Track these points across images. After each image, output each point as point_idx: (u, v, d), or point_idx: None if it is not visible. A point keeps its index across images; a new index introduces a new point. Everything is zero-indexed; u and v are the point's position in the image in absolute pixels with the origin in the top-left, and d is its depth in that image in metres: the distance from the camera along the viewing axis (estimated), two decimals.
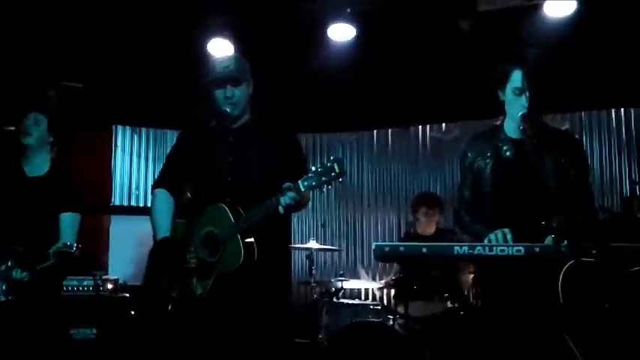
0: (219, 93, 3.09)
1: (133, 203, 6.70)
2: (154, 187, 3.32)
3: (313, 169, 2.78)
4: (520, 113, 2.88)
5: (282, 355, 3.11)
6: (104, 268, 5.77)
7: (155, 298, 4.35)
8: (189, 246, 3.02)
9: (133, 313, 4.94)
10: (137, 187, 6.81)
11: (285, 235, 3.26)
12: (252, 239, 2.90)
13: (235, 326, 2.96)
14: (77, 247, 3.36)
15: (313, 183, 2.75)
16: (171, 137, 6.95)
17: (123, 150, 6.81)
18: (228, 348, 2.96)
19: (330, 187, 2.76)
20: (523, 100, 2.91)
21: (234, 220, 2.92)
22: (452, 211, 3.39)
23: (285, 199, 2.80)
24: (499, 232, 2.79)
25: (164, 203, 3.24)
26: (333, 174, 2.71)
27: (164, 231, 3.14)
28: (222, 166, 3.09)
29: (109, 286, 5.05)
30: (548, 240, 2.60)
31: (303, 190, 2.76)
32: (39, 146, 3.74)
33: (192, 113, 3.27)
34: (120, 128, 6.85)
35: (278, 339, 3.05)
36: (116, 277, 5.22)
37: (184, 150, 3.26)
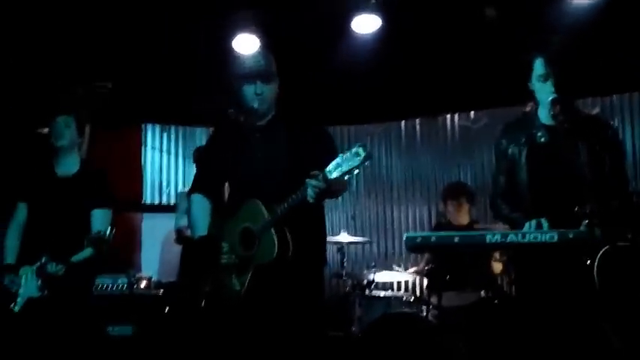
0: (248, 89, 3.06)
1: (164, 201, 6.76)
2: (189, 193, 3.33)
3: (339, 156, 2.74)
4: (550, 99, 2.86)
5: (316, 348, 3.10)
6: (137, 266, 5.85)
7: (188, 295, 4.42)
8: (226, 243, 3.04)
9: (167, 310, 4.99)
10: (168, 185, 6.87)
11: (321, 228, 3.20)
12: (286, 231, 2.90)
13: (271, 318, 2.97)
14: (111, 232, 3.38)
15: (340, 169, 2.71)
16: (199, 135, 7.02)
17: (153, 148, 6.87)
18: (263, 341, 2.97)
19: (358, 171, 2.72)
20: (549, 87, 2.92)
21: (267, 213, 2.93)
22: (488, 200, 3.36)
23: (311, 186, 2.77)
24: (534, 221, 2.78)
25: (199, 206, 3.24)
26: (358, 158, 2.67)
27: (201, 231, 3.16)
28: (253, 164, 3.09)
29: (143, 283, 5.11)
30: (583, 226, 2.56)
31: (330, 177, 2.73)
32: (71, 147, 3.82)
33: (217, 108, 3.24)
34: (149, 126, 6.92)
35: (312, 331, 3.05)
36: (149, 275, 5.28)
37: (215, 151, 3.28)
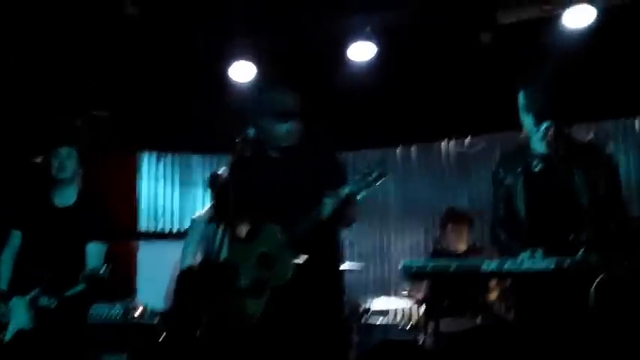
0: (279, 127, 3.10)
1: (160, 228, 6.74)
2: (209, 222, 3.47)
3: (355, 178, 2.89)
4: (544, 126, 2.89)
5: None
6: (133, 294, 5.80)
7: (184, 324, 4.38)
8: (243, 268, 3.08)
9: (162, 338, 4.94)
10: (163, 213, 6.86)
11: (336, 253, 3.25)
12: (302, 254, 2.95)
13: (289, 341, 2.99)
14: (106, 269, 3.38)
15: (353, 188, 2.86)
16: (196, 162, 7.02)
17: (149, 176, 6.87)
18: None
19: (370, 189, 2.86)
20: (531, 118, 2.99)
21: (283, 236, 2.99)
22: (485, 226, 3.38)
23: (326, 203, 2.86)
24: (529, 251, 2.80)
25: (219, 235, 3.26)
26: (371, 177, 2.83)
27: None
28: (271, 191, 3.14)
29: (138, 312, 5.07)
30: (580, 254, 2.56)
31: (343, 196, 2.84)
32: (71, 179, 3.81)
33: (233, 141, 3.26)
34: (145, 154, 6.93)
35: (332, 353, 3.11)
36: (144, 304, 5.24)
37: (236, 180, 3.29)
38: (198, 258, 5.21)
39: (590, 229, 2.58)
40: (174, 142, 6.80)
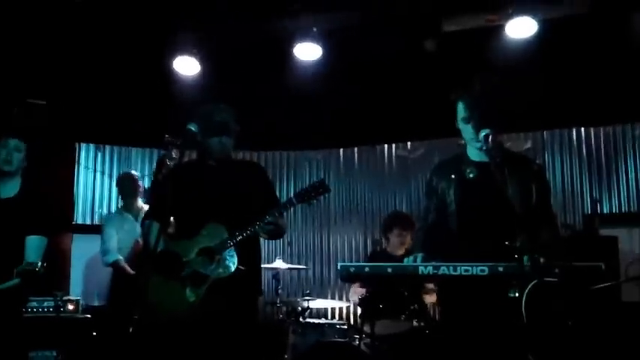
0: (215, 141, 3.39)
1: (97, 222, 6.57)
2: (144, 220, 3.60)
3: (296, 192, 3.29)
4: (483, 134, 2.94)
5: None
6: (65, 289, 5.66)
7: (118, 320, 4.32)
8: (184, 258, 3.29)
9: (94, 334, 4.84)
10: (100, 206, 6.71)
11: (257, 253, 3.51)
12: (241, 252, 3.25)
13: (217, 331, 3.21)
14: (42, 265, 3.28)
15: (294, 203, 3.25)
16: (135, 155, 6.89)
17: (87, 167, 6.71)
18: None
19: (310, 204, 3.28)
20: (470, 128, 3.06)
21: (227, 234, 3.26)
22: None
23: (267, 223, 3.22)
24: (412, 257, 2.96)
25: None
26: (313, 194, 3.22)
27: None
28: (207, 193, 3.40)
29: (70, 307, 4.96)
30: (513, 260, 2.62)
31: (284, 213, 3.32)
32: (16, 171, 3.73)
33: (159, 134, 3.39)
34: (83, 146, 6.77)
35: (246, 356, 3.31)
36: (77, 298, 5.13)
37: (169, 181, 3.47)
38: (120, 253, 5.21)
39: (522, 236, 2.65)
40: (113, 134, 6.65)
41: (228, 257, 3.24)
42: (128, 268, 5.14)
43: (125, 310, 3.27)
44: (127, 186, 5.56)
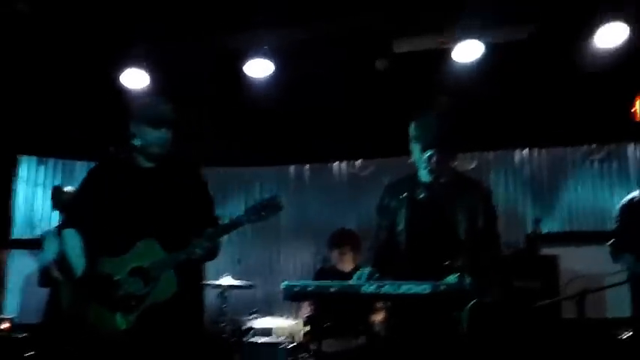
0: (152, 134, 3.13)
1: (35, 236, 6.38)
2: (60, 229, 3.26)
3: (247, 209, 3.08)
4: (427, 155, 2.97)
5: None
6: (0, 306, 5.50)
7: (60, 339, 4.19)
8: (116, 280, 3.01)
9: (31, 354, 4.69)
10: (40, 220, 6.52)
11: (200, 271, 3.35)
12: (181, 273, 3.01)
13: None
14: None
15: (242, 220, 3.05)
16: (79, 168, 6.73)
17: (27, 180, 6.52)
18: None
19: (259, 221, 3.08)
20: (418, 148, 3.08)
21: (165, 254, 3.00)
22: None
23: (202, 245, 2.99)
24: (358, 273, 3.01)
25: (74, 243, 3.16)
26: (264, 212, 3.05)
27: (81, 270, 3.07)
28: (143, 204, 3.13)
29: (5, 325, 4.80)
30: (452, 278, 2.64)
31: (227, 231, 3.04)
32: None
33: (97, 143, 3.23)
34: (25, 158, 6.59)
35: None
36: (12, 316, 4.98)
37: (95, 189, 3.23)
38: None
39: (464, 257, 2.68)
40: (57, 147, 6.49)
41: (167, 280, 2.98)
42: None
43: (62, 326, 3.15)
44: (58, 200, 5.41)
